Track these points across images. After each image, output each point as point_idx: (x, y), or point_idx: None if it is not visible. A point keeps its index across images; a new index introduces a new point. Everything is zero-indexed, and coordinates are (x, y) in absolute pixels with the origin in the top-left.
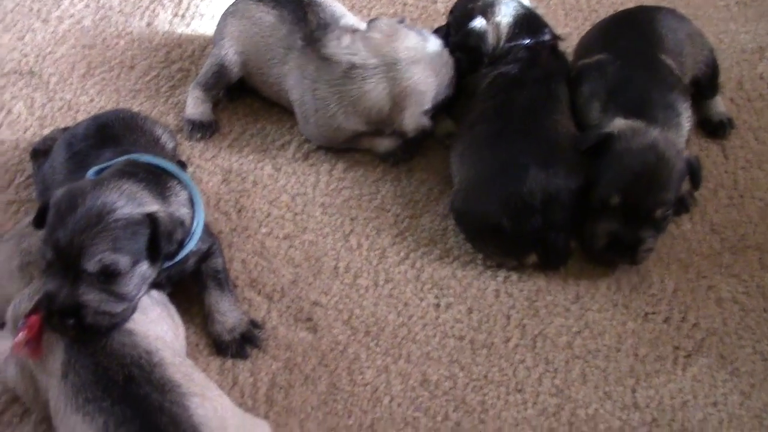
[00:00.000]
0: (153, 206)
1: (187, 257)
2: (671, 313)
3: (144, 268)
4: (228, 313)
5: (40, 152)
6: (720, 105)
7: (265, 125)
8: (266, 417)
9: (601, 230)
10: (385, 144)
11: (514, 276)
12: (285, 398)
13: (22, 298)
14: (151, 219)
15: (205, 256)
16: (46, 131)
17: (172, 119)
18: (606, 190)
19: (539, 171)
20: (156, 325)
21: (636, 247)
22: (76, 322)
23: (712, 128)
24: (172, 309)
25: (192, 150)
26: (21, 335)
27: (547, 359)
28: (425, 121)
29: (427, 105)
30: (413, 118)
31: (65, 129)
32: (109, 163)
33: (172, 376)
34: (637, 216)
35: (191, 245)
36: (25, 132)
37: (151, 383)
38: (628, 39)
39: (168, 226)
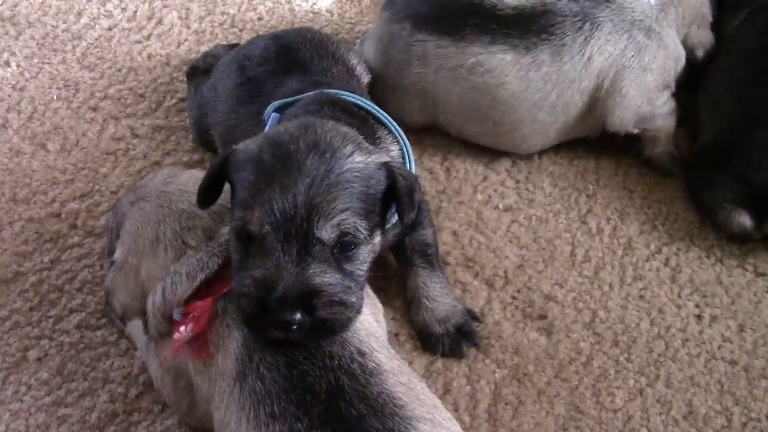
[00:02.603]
0: (383, 156)
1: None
2: None
3: (378, 240)
4: (439, 299)
5: (198, 71)
6: None
7: None
8: None
9: None
10: (661, 146)
11: None
12: (513, 418)
13: (176, 279)
14: (388, 170)
15: (411, 224)
16: (204, 48)
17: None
18: None
19: None
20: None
21: None
22: (305, 317)
23: None
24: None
25: None
26: (183, 329)
27: None
28: (710, 36)
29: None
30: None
31: (232, 46)
32: (295, 98)
33: (392, 391)
34: None
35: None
36: (178, 46)
37: (366, 400)
38: None
39: (408, 180)
